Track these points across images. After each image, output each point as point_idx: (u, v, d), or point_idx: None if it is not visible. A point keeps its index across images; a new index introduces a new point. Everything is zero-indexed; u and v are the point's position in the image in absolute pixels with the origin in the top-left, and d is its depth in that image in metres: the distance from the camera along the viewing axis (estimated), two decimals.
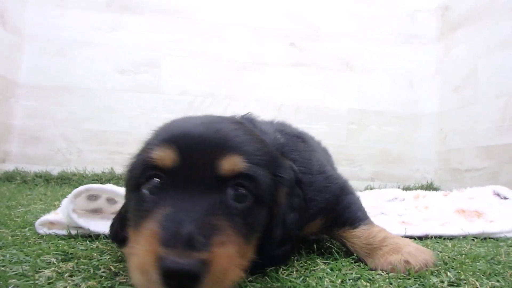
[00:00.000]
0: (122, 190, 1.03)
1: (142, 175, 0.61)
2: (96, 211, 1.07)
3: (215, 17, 3.15)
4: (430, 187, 3.02)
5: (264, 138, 0.77)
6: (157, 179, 0.60)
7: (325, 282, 0.70)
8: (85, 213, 1.05)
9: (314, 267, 0.81)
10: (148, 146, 0.65)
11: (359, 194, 2.34)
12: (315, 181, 0.88)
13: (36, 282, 0.59)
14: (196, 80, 3.09)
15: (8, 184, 2.43)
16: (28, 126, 2.87)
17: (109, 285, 0.60)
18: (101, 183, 2.47)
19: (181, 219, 0.51)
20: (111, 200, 1.09)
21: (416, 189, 2.79)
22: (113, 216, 1.04)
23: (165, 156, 0.59)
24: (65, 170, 2.80)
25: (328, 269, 0.79)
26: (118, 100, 2.98)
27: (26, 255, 0.72)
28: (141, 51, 3.04)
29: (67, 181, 2.63)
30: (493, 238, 1.27)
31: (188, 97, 3.06)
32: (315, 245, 0.94)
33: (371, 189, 2.88)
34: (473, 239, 1.24)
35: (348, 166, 3.17)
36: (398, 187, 2.86)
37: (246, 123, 0.77)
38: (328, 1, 3.29)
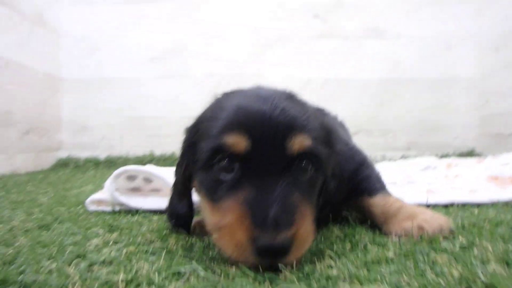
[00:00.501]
0: (156, 170, 1.15)
1: (213, 157, 0.66)
2: (135, 190, 1.20)
3: None
4: (470, 154, 2.90)
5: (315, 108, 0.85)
6: (232, 160, 0.65)
7: (335, 246, 0.76)
8: (126, 191, 1.18)
9: (330, 234, 0.87)
10: (216, 129, 0.67)
11: (393, 163, 2.31)
12: (342, 151, 0.92)
13: (87, 248, 0.71)
14: (222, 61, 3.15)
15: (64, 169, 2.72)
16: (75, 117, 3.14)
17: (145, 249, 0.72)
18: (143, 164, 2.67)
19: (266, 201, 0.60)
20: (147, 180, 1.22)
21: (456, 156, 2.69)
22: (151, 193, 1.17)
23: (238, 142, 0.64)
24: (110, 154, 3.06)
25: (342, 235, 0.85)
26: (151, 87, 3.14)
27: (78, 228, 0.85)
28: (167, 38, 3.14)
29: (113, 164, 2.88)
30: None
31: (215, 77, 3.14)
32: (330, 215, 0.99)
33: (406, 158, 2.82)
34: (503, 206, 1.21)
35: (381, 137, 3.11)
36: (436, 155, 2.78)
37: (297, 98, 0.79)
38: None
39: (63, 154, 3.08)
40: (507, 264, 0.62)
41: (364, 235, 0.85)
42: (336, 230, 0.89)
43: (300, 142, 0.65)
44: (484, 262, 0.63)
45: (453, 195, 1.27)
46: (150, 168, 1.14)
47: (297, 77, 3.12)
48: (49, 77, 2.93)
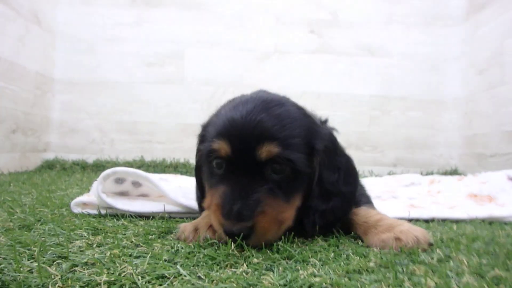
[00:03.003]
0: (145, 174, 1.15)
1: (209, 156, 0.87)
2: (123, 194, 1.20)
3: (236, 7, 3.21)
4: (454, 172, 2.97)
5: (304, 112, 0.93)
6: (220, 160, 0.85)
7: (319, 255, 0.77)
8: (113, 195, 1.18)
9: (314, 243, 0.89)
10: (210, 133, 0.88)
11: (380, 179, 2.35)
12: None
13: (70, 250, 0.71)
14: (218, 70, 3.18)
15: (49, 171, 2.67)
16: (65, 118, 3.11)
17: (130, 253, 0.72)
18: None
19: (234, 198, 0.79)
20: (136, 184, 1.21)
21: (440, 174, 2.75)
22: (139, 197, 1.17)
23: (220, 148, 0.83)
24: (99, 158, 3.03)
25: (325, 245, 0.87)
26: (146, 92, 3.14)
27: (62, 229, 0.85)
28: (165, 44, 3.16)
29: (101, 168, 2.85)
30: (503, 223, 1.27)
31: (211, 86, 3.17)
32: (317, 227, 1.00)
33: (393, 174, 2.87)
34: (480, 223, 1.25)
35: (370, 152, 3.17)
36: (421, 173, 2.84)
37: (284, 105, 0.91)
38: None
39: (49, 155, 3.03)
40: (481, 276, 0.65)
41: (347, 246, 0.87)
42: (320, 240, 0.91)
43: (267, 150, 0.81)
44: (459, 274, 0.66)
45: (434, 210, 1.31)
46: (138, 171, 1.14)
47: (292, 90, 3.16)
48: (41, 76, 2.90)
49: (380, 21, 3.22)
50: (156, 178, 1.17)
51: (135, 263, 0.66)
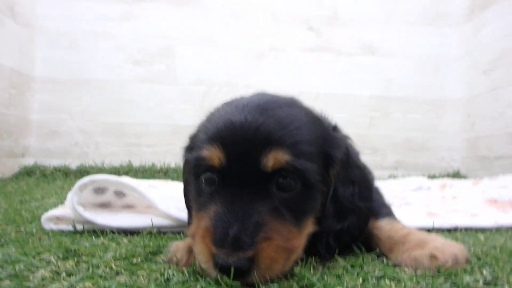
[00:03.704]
0: (130, 182, 0.99)
1: (197, 168, 0.69)
2: (104, 205, 1.04)
3: (230, 3, 3.05)
4: (456, 175, 2.88)
5: (316, 115, 0.80)
6: (211, 173, 0.67)
7: (345, 281, 0.63)
8: (93, 207, 1.01)
9: (333, 263, 0.75)
10: (199, 140, 0.71)
11: (382, 183, 2.24)
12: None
13: (29, 284, 0.55)
14: (212, 68, 3.03)
15: (27, 178, 2.47)
16: (45, 120, 2.90)
17: (105, 286, 0.56)
18: (119, 175, 2.48)
19: (229, 219, 0.60)
20: (119, 194, 1.05)
21: (442, 177, 2.65)
22: (123, 209, 1.01)
23: (212, 156, 0.65)
24: (83, 163, 2.83)
25: (348, 266, 0.73)
26: (133, 92, 2.96)
27: (24, 254, 0.68)
28: (154, 41, 2.99)
29: (85, 174, 2.65)
30: None
31: (203, 86, 3.01)
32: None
33: (394, 177, 2.77)
34: (507, 231, 1.14)
35: (370, 155, 3.06)
36: (423, 176, 2.73)
37: (298, 102, 0.79)
38: None
39: (28, 161, 2.82)
40: None
41: (373, 266, 0.73)
42: (340, 260, 0.77)
43: (275, 157, 0.64)
44: None
45: (456, 218, 1.19)
46: (121, 178, 0.98)
47: (289, 90, 3.03)
48: (17, 74, 2.69)
49: (381, 19, 3.12)
50: (144, 185, 1.02)
51: None
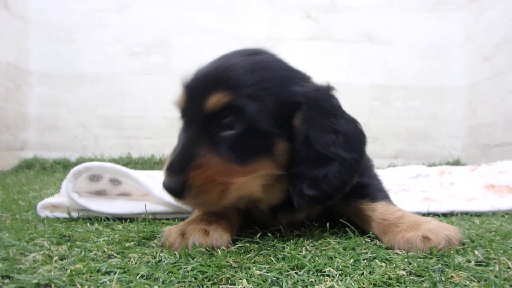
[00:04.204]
0: (124, 169, 0.99)
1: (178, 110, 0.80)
2: (99, 193, 1.04)
3: None
4: (457, 163, 2.87)
5: (281, 63, 0.81)
6: (180, 113, 0.79)
7: (336, 262, 0.63)
8: (88, 195, 1.02)
9: (326, 246, 0.75)
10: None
11: (382, 172, 2.24)
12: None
13: (20, 265, 0.55)
14: (209, 58, 3.00)
15: (27, 171, 2.48)
16: (43, 113, 2.90)
17: (98, 267, 0.56)
18: None
19: (175, 151, 0.72)
20: (114, 181, 1.05)
21: (441, 165, 2.64)
22: (119, 197, 1.01)
23: (179, 100, 0.78)
24: (82, 156, 2.84)
25: (340, 248, 0.73)
26: (130, 84, 2.95)
27: (18, 239, 0.68)
28: (150, 31, 2.96)
29: None
30: None
31: None
32: (328, 224, 0.87)
33: (394, 166, 2.76)
34: (503, 216, 1.14)
35: (371, 144, 3.03)
36: (423, 164, 2.73)
37: (267, 54, 0.82)
38: None
39: (28, 154, 2.83)
40: None
41: (365, 248, 0.73)
42: (332, 241, 0.78)
43: (215, 98, 0.70)
44: (507, 280, 0.55)
45: (452, 203, 1.19)
46: (116, 166, 0.98)
47: None
48: (13, 68, 2.68)
49: (380, 6, 3.07)
50: (142, 175, 1.02)
51: (102, 282, 0.50)
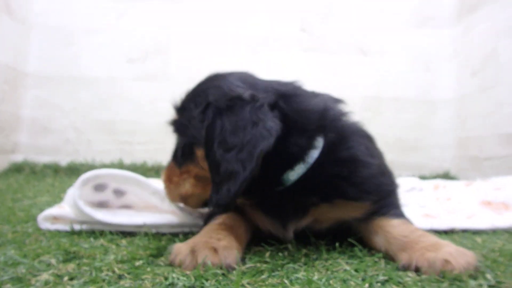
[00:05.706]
0: (133, 176, 0.98)
1: None
2: (102, 205, 1.01)
3: (223, 1, 3.04)
4: (446, 176, 2.91)
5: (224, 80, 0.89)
6: None
7: (351, 286, 0.63)
8: (91, 206, 0.99)
9: (336, 267, 0.75)
10: None
11: None
12: (372, 164, 0.90)
13: (32, 287, 0.53)
14: (205, 66, 2.98)
15: (17, 175, 2.41)
16: (37, 116, 2.83)
17: None
18: None
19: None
20: (118, 192, 1.03)
21: (432, 178, 2.68)
22: (121, 210, 0.99)
23: None
24: (73, 160, 2.78)
25: (352, 270, 0.72)
26: (127, 89, 2.91)
27: (24, 256, 0.66)
28: (149, 38, 2.95)
29: (75, 172, 2.60)
30: None
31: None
32: (337, 244, 0.87)
33: None
34: (505, 233, 1.16)
35: None
36: (413, 176, 2.76)
37: (221, 75, 0.98)
38: None
39: (18, 157, 2.75)
40: None
41: (376, 269, 0.73)
42: (341, 261, 0.77)
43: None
44: None
45: (452, 220, 1.20)
46: (125, 172, 0.96)
47: None
48: (11, 70, 2.62)
49: (373, 19, 3.13)
50: (153, 182, 1.01)
51: None
